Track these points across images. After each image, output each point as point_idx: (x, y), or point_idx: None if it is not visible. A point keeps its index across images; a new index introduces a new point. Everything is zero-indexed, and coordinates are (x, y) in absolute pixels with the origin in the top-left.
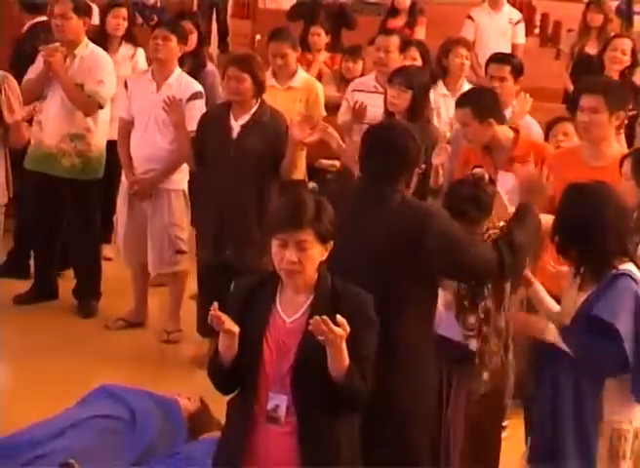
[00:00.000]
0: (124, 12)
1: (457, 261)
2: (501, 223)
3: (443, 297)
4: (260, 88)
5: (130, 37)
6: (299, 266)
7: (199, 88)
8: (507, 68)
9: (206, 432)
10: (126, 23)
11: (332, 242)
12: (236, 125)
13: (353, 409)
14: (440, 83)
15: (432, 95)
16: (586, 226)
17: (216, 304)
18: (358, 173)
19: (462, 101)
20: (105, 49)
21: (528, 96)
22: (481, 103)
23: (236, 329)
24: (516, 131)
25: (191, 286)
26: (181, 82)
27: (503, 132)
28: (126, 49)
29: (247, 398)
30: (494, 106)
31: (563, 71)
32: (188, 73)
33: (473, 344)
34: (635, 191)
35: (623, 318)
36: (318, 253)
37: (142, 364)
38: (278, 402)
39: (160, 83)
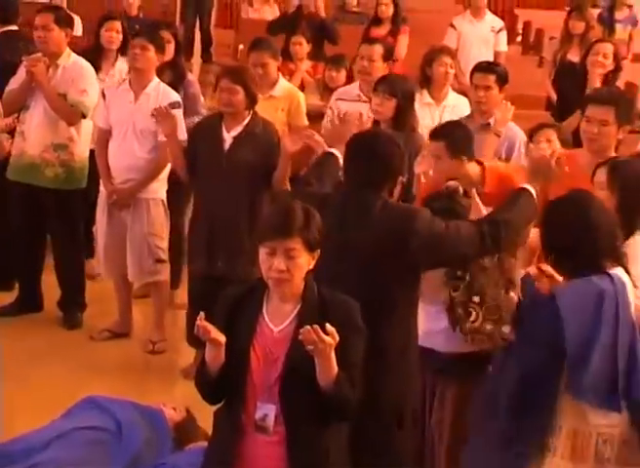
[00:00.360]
0: (118, 25)
1: (444, 254)
2: None
3: (427, 311)
4: (252, 100)
5: (126, 51)
6: (287, 275)
7: (177, 97)
8: (492, 77)
9: (192, 442)
10: (120, 36)
11: (319, 251)
12: (228, 136)
13: (343, 417)
14: (424, 92)
15: (416, 103)
16: (573, 233)
17: (202, 314)
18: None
19: (437, 135)
20: (101, 63)
21: (509, 104)
22: (455, 139)
23: (222, 338)
24: (481, 163)
25: (182, 295)
26: (159, 92)
27: (472, 168)
28: (122, 62)
29: (234, 407)
30: (467, 143)
31: (545, 79)
32: (168, 84)
33: (467, 347)
34: (609, 201)
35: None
36: (306, 261)
37: (128, 374)
38: (266, 411)
39: (138, 93)
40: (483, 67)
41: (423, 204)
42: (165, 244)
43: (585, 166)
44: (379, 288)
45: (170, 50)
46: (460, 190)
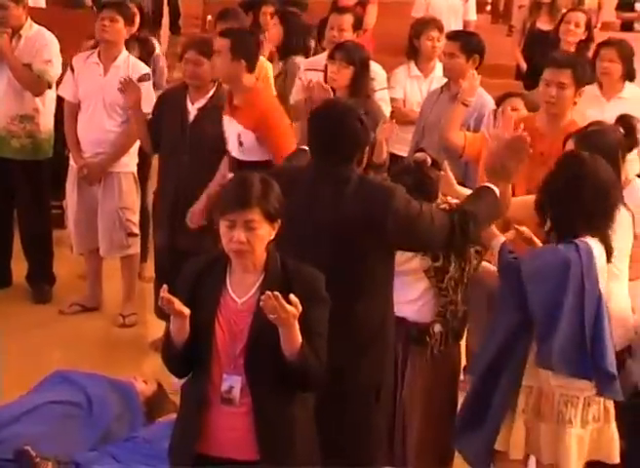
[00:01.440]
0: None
1: (417, 237)
2: (454, 201)
3: (400, 280)
4: None
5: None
6: (247, 246)
7: (147, 70)
8: (457, 45)
9: (163, 415)
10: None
11: (279, 221)
12: (193, 108)
13: (307, 387)
14: (412, 64)
15: (404, 76)
16: (563, 192)
17: (165, 287)
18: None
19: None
20: None
21: (476, 73)
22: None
23: (186, 311)
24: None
25: (150, 269)
26: (129, 64)
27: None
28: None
29: (200, 380)
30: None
31: (515, 48)
32: (138, 58)
33: (437, 327)
34: None
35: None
36: (266, 232)
37: (98, 348)
38: (232, 383)
39: (107, 66)
40: (449, 35)
41: (392, 176)
42: (136, 217)
43: (542, 129)
44: (354, 262)
45: (135, 22)
46: (428, 161)
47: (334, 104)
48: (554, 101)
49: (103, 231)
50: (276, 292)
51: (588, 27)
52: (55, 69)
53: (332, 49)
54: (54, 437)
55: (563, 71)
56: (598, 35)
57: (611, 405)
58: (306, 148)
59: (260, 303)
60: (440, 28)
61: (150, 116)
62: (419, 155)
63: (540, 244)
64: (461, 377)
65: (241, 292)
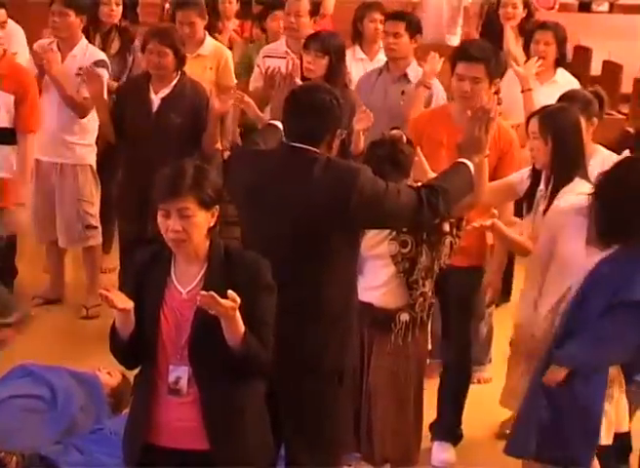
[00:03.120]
0: None
1: (383, 214)
2: None
3: (368, 265)
4: (181, 61)
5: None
6: (183, 235)
7: (103, 56)
8: (402, 25)
9: (128, 406)
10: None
11: (217, 207)
12: (156, 98)
13: (254, 375)
14: (356, 47)
15: (349, 59)
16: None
17: (108, 284)
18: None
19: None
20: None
21: (437, 55)
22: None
23: (129, 304)
24: None
25: (114, 260)
26: (86, 52)
27: None
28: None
29: (149, 371)
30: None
31: (472, 31)
32: (118, 50)
33: (404, 316)
34: (544, 150)
35: None
36: (203, 219)
37: (62, 340)
38: (179, 373)
39: (65, 54)
40: (393, 15)
41: (367, 151)
42: (95, 210)
43: (455, 115)
44: (318, 244)
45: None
46: (404, 138)
47: (312, 84)
48: (468, 96)
49: (62, 223)
50: (211, 292)
51: (527, 4)
52: (21, 61)
53: (306, 39)
54: (18, 431)
55: (476, 66)
56: (556, 17)
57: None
58: (276, 123)
59: (198, 303)
60: (382, 11)
61: (112, 106)
62: (394, 132)
63: (513, 233)
64: (427, 361)
65: (185, 282)
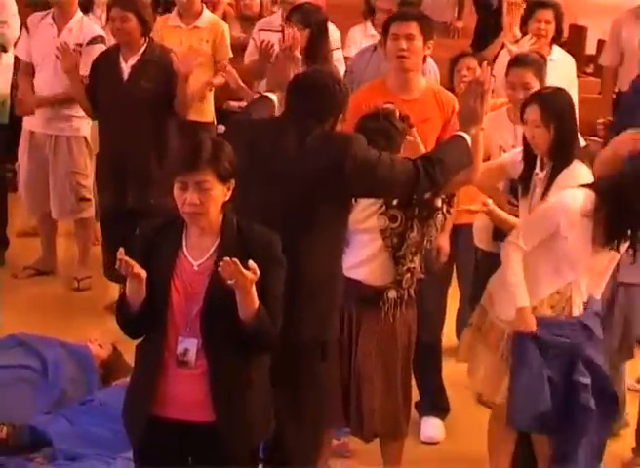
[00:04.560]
0: None
1: (378, 181)
2: None
3: (356, 239)
4: (146, 26)
5: None
6: (201, 208)
7: (100, 32)
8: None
9: (119, 378)
10: None
11: (233, 181)
12: (126, 66)
13: (263, 350)
14: (368, 24)
15: (360, 35)
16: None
17: (122, 249)
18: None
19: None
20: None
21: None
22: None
23: (144, 273)
24: None
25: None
26: (82, 26)
27: None
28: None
29: (156, 342)
30: None
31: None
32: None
33: (392, 293)
34: (546, 137)
35: None
36: (220, 193)
37: (53, 312)
38: (188, 345)
39: (61, 27)
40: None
41: (358, 123)
42: (89, 182)
43: (396, 91)
44: (307, 214)
45: None
46: (397, 113)
47: (316, 69)
48: (405, 54)
49: (55, 195)
50: (235, 259)
51: None
52: (11, 32)
53: (288, 11)
54: (9, 400)
55: (409, 23)
56: None
57: None
58: (269, 95)
59: (219, 268)
60: None
61: (87, 80)
62: (388, 106)
63: (509, 216)
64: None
65: (197, 254)
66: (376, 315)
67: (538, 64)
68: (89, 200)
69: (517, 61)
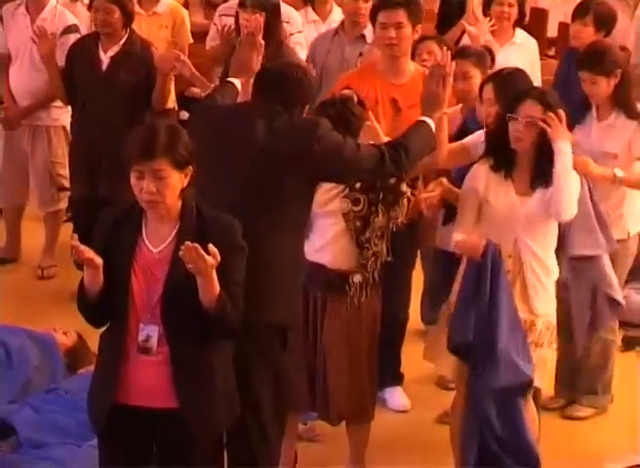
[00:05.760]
0: None
1: (344, 163)
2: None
3: (318, 224)
4: (128, 18)
5: None
6: (158, 196)
7: (74, 21)
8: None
9: (84, 366)
10: None
11: (191, 167)
12: (105, 57)
13: (225, 336)
14: (309, 9)
15: (301, 21)
16: None
17: (75, 236)
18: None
19: None
20: None
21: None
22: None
23: (98, 260)
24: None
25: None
26: (55, 15)
27: None
28: None
29: (118, 330)
30: None
31: None
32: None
33: (357, 278)
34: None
35: None
36: (177, 180)
37: (17, 300)
38: (149, 332)
39: (34, 16)
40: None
41: (317, 109)
42: (67, 171)
43: (386, 75)
44: (270, 197)
45: None
46: (355, 98)
47: (283, 61)
48: (395, 42)
49: (35, 186)
50: (195, 244)
51: None
52: None
53: None
54: None
55: (397, 11)
56: None
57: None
58: (233, 81)
59: (180, 253)
60: None
61: (63, 68)
62: (346, 92)
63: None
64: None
65: (157, 241)
66: (341, 299)
67: (478, 55)
68: (67, 190)
69: (458, 53)
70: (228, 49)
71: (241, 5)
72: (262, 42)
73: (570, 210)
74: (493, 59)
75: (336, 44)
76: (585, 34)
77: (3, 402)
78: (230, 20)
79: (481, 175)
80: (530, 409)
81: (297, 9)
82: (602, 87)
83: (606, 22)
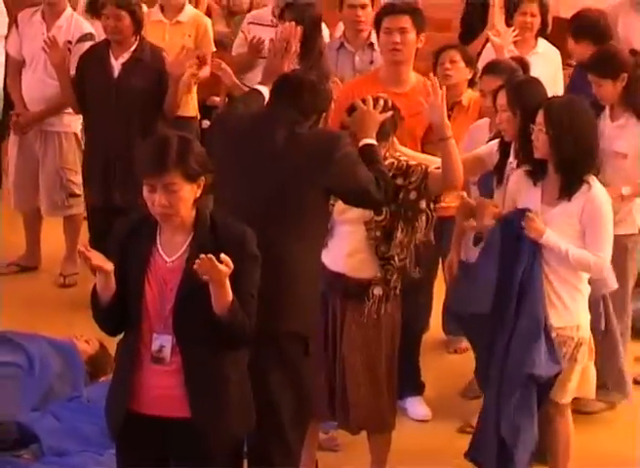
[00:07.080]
0: None
1: (356, 180)
2: (403, 157)
3: (338, 231)
4: (138, 25)
5: None
6: (170, 209)
7: (89, 29)
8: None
9: (105, 374)
10: None
11: (203, 178)
12: (117, 64)
13: (237, 345)
14: None
15: None
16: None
17: (86, 243)
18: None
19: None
20: None
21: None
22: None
23: (108, 266)
24: None
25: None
26: (71, 23)
27: None
28: None
29: (132, 339)
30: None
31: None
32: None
33: (377, 290)
34: (513, 122)
35: None
36: (189, 192)
37: (39, 308)
38: (163, 342)
39: (50, 24)
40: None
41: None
42: (78, 178)
43: (387, 85)
44: (292, 207)
45: None
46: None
47: (302, 70)
48: (399, 47)
49: (44, 191)
50: (210, 255)
51: None
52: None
53: (281, 8)
54: None
55: (402, 17)
56: None
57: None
58: (260, 88)
59: (195, 267)
60: None
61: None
62: (380, 94)
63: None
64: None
65: (170, 250)
66: (360, 308)
67: (509, 71)
68: (79, 196)
69: (489, 69)
70: (254, 59)
71: (280, 17)
72: (296, 50)
73: (601, 274)
74: (526, 72)
75: (343, 55)
76: (581, 50)
77: (25, 410)
78: (258, 29)
79: (517, 178)
80: (565, 417)
81: None
82: (608, 90)
83: (602, 37)
